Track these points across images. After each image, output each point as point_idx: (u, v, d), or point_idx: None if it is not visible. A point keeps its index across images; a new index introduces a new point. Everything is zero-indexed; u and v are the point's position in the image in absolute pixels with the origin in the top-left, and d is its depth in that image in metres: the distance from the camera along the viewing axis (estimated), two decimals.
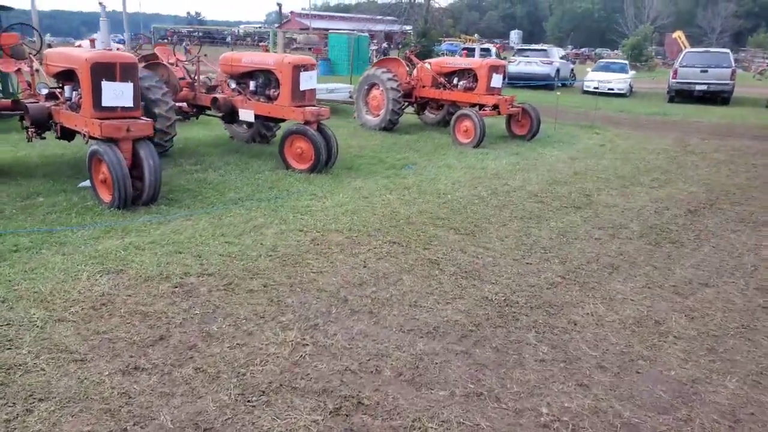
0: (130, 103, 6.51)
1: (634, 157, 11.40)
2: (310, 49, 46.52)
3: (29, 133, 7.75)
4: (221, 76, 9.76)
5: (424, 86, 13.20)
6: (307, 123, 8.48)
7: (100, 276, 4.73)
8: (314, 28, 63.04)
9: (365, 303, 4.55)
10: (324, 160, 8.53)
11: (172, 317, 4.16)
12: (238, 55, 9.24)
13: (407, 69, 13.26)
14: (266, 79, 9.03)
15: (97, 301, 4.33)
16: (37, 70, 7.55)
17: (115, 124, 6.25)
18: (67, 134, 7.28)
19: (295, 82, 8.49)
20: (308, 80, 8.57)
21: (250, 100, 9.08)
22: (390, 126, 12.92)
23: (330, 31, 33.85)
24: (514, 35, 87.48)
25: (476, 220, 6.82)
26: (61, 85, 7.18)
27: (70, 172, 7.91)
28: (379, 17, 42.34)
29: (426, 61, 13.70)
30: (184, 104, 9.89)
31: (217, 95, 9.16)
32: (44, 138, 7.95)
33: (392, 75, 12.73)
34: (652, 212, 7.48)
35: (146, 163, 6.43)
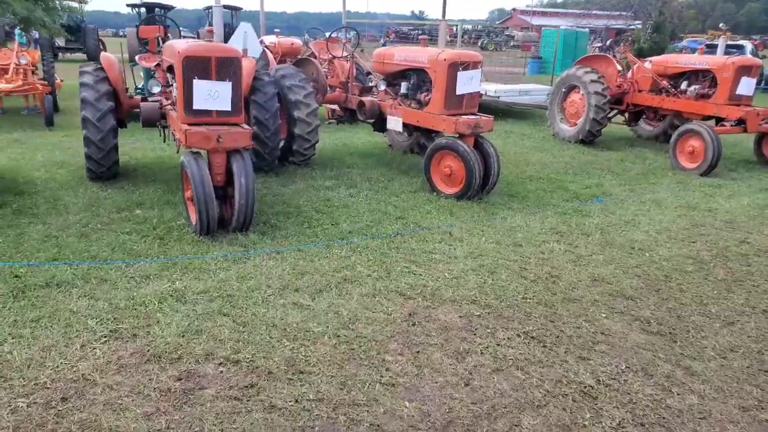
0: (227, 107, 5.32)
1: None
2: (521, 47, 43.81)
3: (163, 132, 7.13)
4: (377, 76, 8.32)
5: (640, 90, 10.35)
6: (460, 136, 6.61)
7: (99, 344, 3.49)
8: (536, 25, 59.71)
9: None
10: (478, 185, 6.58)
11: None
12: (391, 51, 7.68)
13: (619, 69, 10.51)
14: (419, 79, 7.33)
15: (64, 390, 3.06)
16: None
17: (201, 131, 5.10)
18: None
19: (451, 83, 6.65)
20: (468, 82, 6.67)
21: (400, 105, 7.48)
22: (589, 138, 10.35)
23: (544, 27, 30.99)
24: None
25: (683, 305, 4.34)
26: (173, 82, 6.33)
27: None
28: (603, 12, 37.87)
29: (646, 59, 10.76)
30: (336, 107, 8.68)
31: (366, 98, 7.72)
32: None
33: (597, 76, 10.13)
34: None
35: (237, 182, 5.18)
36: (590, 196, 7.21)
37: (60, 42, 25.31)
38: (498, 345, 3.68)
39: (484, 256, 5.08)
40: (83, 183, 6.77)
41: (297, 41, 12.81)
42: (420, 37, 8.73)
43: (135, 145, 8.98)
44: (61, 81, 12.33)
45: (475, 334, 3.80)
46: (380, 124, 8.09)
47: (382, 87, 7.64)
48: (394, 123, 7.44)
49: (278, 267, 4.67)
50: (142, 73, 10.27)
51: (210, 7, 23.71)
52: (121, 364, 3.30)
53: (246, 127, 5.35)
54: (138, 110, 7.03)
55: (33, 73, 11.29)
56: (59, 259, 4.63)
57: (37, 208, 5.84)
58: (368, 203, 6.49)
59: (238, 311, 3.94)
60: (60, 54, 27.23)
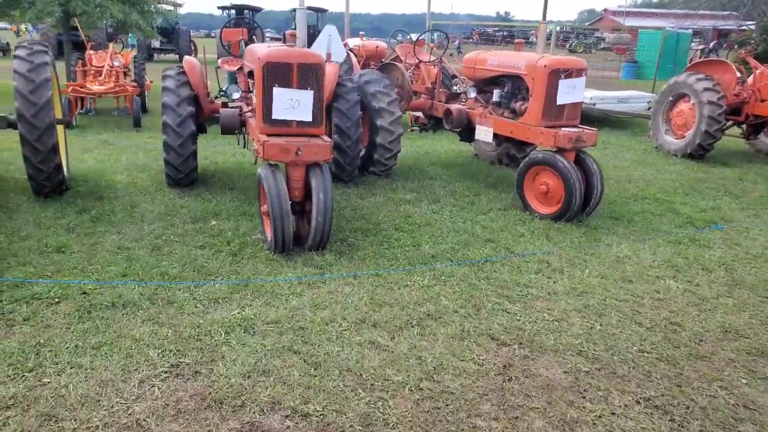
0: (307, 117, 4.95)
1: None
2: (612, 49, 41.52)
3: (243, 138, 6.92)
4: (466, 82, 7.76)
5: (763, 100, 9.18)
6: (559, 150, 5.94)
7: (158, 381, 3.17)
8: (628, 27, 56.75)
9: None
10: (578, 205, 5.88)
11: None
12: (483, 55, 7.08)
13: (738, 76, 9.38)
14: (515, 86, 6.70)
15: None
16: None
17: (280, 143, 4.74)
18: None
19: (551, 92, 6.00)
20: (570, 91, 5.99)
21: (491, 114, 6.88)
22: (699, 153, 9.31)
23: (641, 29, 29.03)
24: None
25: None
26: (253, 88, 6.04)
27: None
28: (708, 12, 35.10)
29: None
30: (420, 114, 8.19)
31: (453, 106, 7.18)
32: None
33: (712, 83, 9.08)
34: None
35: (316, 198, 4.80)
36: (707, 221, 6.32)
37: (155, 43, 26.40)
38: (613, 414, 3.05)
39: (589, 293, 4.42)
40: (162, 189, 6.64)
41: (382, 44, 12.43)
42: (515, 40, 8.07)
43: (215, 149, 8.89)
44: (151, 82, 12.58)
45: (584, 397, 3.18)
46: (467, 134, 7.53)
47: (473, 94, 7.06)
48: (484, 133, 6.85)
49: (355, 295, 4.23)
50: (226, 76, 10.27)
51: (295, 9, 23.88)
52: (180, 409, 2.96)
53: (327, 139, 4.95)
54: (218, 115, 6.86)
55: (125, 75, 11.55)
56: (128, 275, 4.41)
57: (115, 215, 5.72)
58: (453, 221, 5.95)
59: (309, 348, 3.53)
60: (155, 55, 28.42)
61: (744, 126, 9.79)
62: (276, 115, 4.88)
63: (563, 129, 5.97)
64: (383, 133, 7.17)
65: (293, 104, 4.88)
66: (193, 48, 29.48)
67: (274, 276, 4.52)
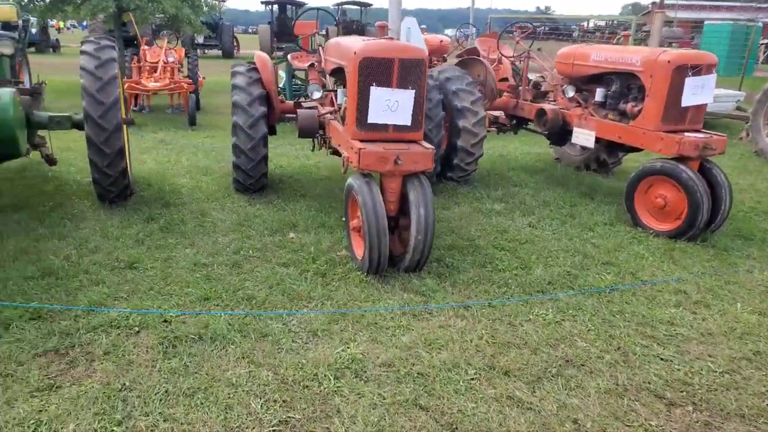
0: (407, 121, 4.34)
1: None
2: (670, 44, 39.76)
3: (316, 140, 6.37)
4: (556, 79, 7.05)
5: None
6: (682, 159, 5.21)
7: None
8: (680, 20, 54.51)
9: None
10: (704, 221, 5.15)
11: None
12: (584, 50, 6.35)
13: None
14: (624, 85, 5.96)
15: None
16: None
17: (377, 151, 4.15)
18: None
19: (674, 92, 5.26)
20: (697, 91, 5.24)
21: (592, 115, 6.17)
22: None
23: (706, 21, 27.48)
24: None
25: None
26: (336, 87, 5.47)
27: (342, 196, 6.25)
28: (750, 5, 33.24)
29: None
30: (501, 114, 7.51)
31: (546, 106, 6.48)
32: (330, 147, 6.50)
33: None
34: None
35: (416, 213, 4.19)
36: None
37: (198, 39, 26.21)
38: None
39: (753, 335, 3.70)
40: (229, 195, 6.14)
41: (446, 38, 11.76)
42: (622, 32, 7.30)
43: (276, 150, 8.35)
44: (203, 78, 12.19)
45: None
46: (560, 137, 6.83)
47: (571, 93, 6.34)
48: (584, 137, 6.15)
49: (472, 332, 3.62)
50: (282, 73, 9.77)
51: (339, 4, 23.32)
52: None
53: (428, 146, 4.34)
54: (289, 116, 6.33)
55: (179, 71, 11.16)
56: (210, 298, 3.89)
57: (185, 225, 5.23)
58: (557, 238, 5.28)
59: (437, 403, 2.92)
60: (198, 51, 28.29)
61: None
62: (372, 118, 4.29)
63: (687, 134, 5.23)
64: (465, 135, 6.53)
65: (391, 106, 4.28)
66: (235, 44, 29.23)
67: (372, 302, 3.94)
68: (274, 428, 2.72)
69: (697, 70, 5.18)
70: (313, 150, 6.57)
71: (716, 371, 3.28)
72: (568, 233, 5.41)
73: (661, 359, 3.40)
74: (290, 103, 6.27)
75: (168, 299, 3.86)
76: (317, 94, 5.41)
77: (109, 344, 3.30)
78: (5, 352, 3.16)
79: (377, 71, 4.20)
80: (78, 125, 5.67)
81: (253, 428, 2.71)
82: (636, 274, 4.57)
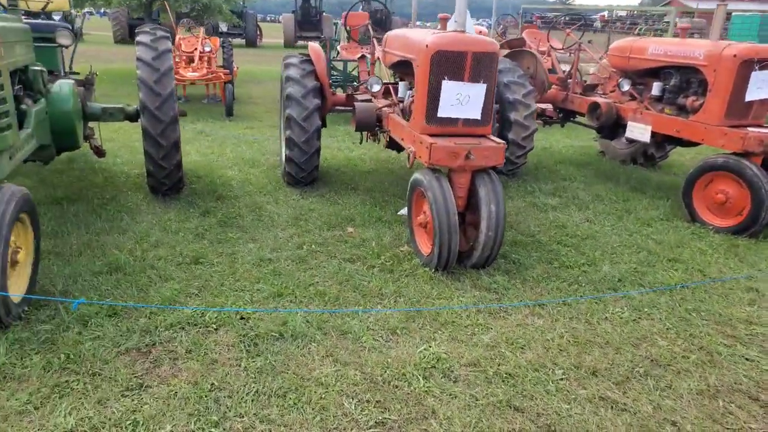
0: (477, 115, 4.30)
1: None
2: (692, 34, 39.07)
3: (365, 134, 6.35)
4: (604, 72, 6.94)
5: None
6: (745, 154, 5.11)
7: None
8: (701, 11, 53.55)
9: None
10: (766, 218, 5.06)
11: None
12: (641, 43, 6.23)
13: None
14: (683, 79, 5.85)
15: None
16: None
17: (448, 146, 4.11)
18: (397, 144, 5.50)
19: (738, 86, 5.16)
20: (763, 85, 5.13)
21: (648, 109, 6.07)
22: None
23: (735, 12, 26.94)
24: None
25: None
26: (398, 80, 5.41)
27: (395, 190, 6.23)
28: None
29: None
30: (549, 107, 7.42)
31: (599, 99, 6.38)
32: (378, 141, 6.47)
33: None
34: None
35: (485, 209, 4.14)
36: None
37: (223, 27, 26.17)
38: None
39: None
40: (281, 188, 6.13)
41: (484, 29, 11.63)
42: (679, 25, 7.16)
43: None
44: (237, 68, 12.16)
45: None
46: (611, 131, 6.73)
47: (626, 86, 6.24)
48: (639, 132, 6.05)
49: (551, 330, 3.58)
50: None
51: None
52: None
53: (498, 140, 4.29)
54: (342, 108, 6.29)
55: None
56: (283, 295, 3.88)
57: (242, 218, 5.22)
58: (617, 234, 5.22)
59: (531, 404, 2.90)
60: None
61: None
62: (442, 112, 4.24)
63: (750, 129, 5.13)
64: (516, 128, 6.45)
65: (462, 100, 4.23)
66: (258, 33, 29.17)
67: (445, 300, 3.91)
68: (371, 429, 2.70)
69: (765, 64, 5.07)
70: (360, 142, 6.55)
71: None
72: (628, 229, 5.35)
73: (748, 360, 3.35)
74: (342, 95, 6.23)
75: (240, 295, 3.86)
76: (377, 87, 5.36)
77: (191, 343, 3.30)
78: (89, 350, 3.17)
79: (450, 64, 4.15)
80: (130, 117, 5.67)
81: (351, 430, 2.70)
82: (704, 272, 4.51)
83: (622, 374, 3.17)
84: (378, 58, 6.15)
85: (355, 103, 5.43)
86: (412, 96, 4.79)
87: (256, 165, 7.02)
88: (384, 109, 5.36)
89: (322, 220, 5.27)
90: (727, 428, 2.80)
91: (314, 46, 6.12)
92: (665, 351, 3.40)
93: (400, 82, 5.15)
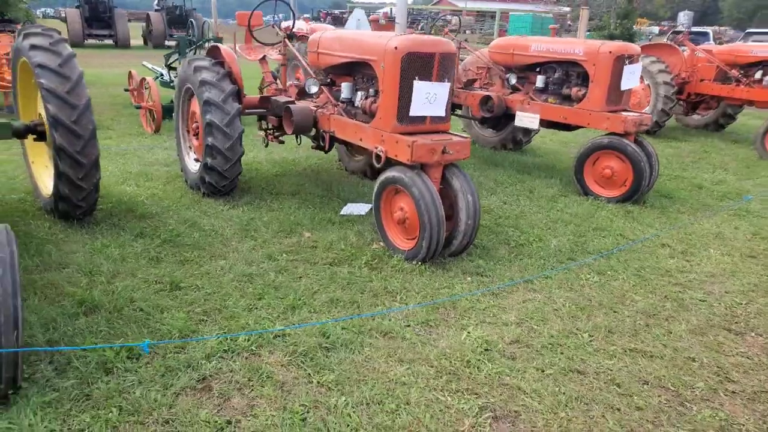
0: (442, 112, 4.55)
1: None
2: (464, 31, 43.61)
3: (268, 135, 6.17)
4: (472, 67, 7.65)
5: (702, 80, 10.28)
6: (624, 134, 6.12)
7: (491, 427, 2.75)
8: (468, 10, 59.86)
9: None
10: (646, 187, 6.15)
11: None
12: (523, 42, 7.04)
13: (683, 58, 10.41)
14: (564, 73, 6.76)
15: None
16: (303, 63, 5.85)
17: (428, 143, 4.30)
18: (331, 144, 5.47)
19: (615, 78, 6.15)
20: (631, 76, 6.19)
21: (534, 99, 6.89)
22: (655, 130, 10.18)
23: (512, 11, 30.75)
24: (683, 17, 77.48)
25: None
26: (330, 81, 5.39)
27: (319, 191, 6.19)
28: None
29: (705, 48, 10.73)
30: None
31: (491, 93, 7.05)
32: (282, 142, 6.35)
33: (665, 66, 9.96)
34: None
35: (462, 199, 4.44)
36: (731, 194, 6.94)
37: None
38: None
39: (740, 272, 4.65)
40: (199, 200, 5.70)
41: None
42: (550, 26, 8.08)
43: None
44: None
45: None
46: (496, 122, 7.47)
47: (514, 80, 6.99)
48: (529, 120, 6.84)
49: (552, 302, 4.02)
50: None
51: None
52: None
53: (465, 135, 4.60)
54: (255, 111, 6.05)
55: None
56: (298, 307, 3.74)
57: (187, 236, 4.79)
58: (537, 211, 5.89)
59: (588, 366, 3.28)
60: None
61: (683, 104, 10.85)
62: (414, 111, 4.41)
63: (627, 114, 6.16)
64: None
65: (430, 98, 4.45)
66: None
67: (448, 288, 4.12)
68: (477, 415, 2.83)
69: (632, 59, 6.12)
70: (267, 146, 6.43)
71: (740, 303, 4.12)
72: (542, 206, 6.06)
73: (701, 301, 4.15)
74: (255, 97, 5.98)
75: (256, 315, 3.62)
76: (314, 89, 5.28)
77: (244, 369, 3.06)
78: (141, 397, 2.78)
79: (419, 65, 4.33)
80: (19, 134, 4.82)
81: (462, 419, 2.80)
82: (623, 235, 5.36)
83: (630, 328, 3.72)
84: (292, 61, 6.02)
85: (292, 107, 5.28)
86: (369, 96, 4.86)
87: (151, 178, 6.37)
88: (321, 110, 5.31)
89: (272, 228, 5.07)
90: (727, 355, 3.48)
91: (223, 48, 5.79)
92: (646, 304, 4.05)
93: (343, 83, 5.15)
